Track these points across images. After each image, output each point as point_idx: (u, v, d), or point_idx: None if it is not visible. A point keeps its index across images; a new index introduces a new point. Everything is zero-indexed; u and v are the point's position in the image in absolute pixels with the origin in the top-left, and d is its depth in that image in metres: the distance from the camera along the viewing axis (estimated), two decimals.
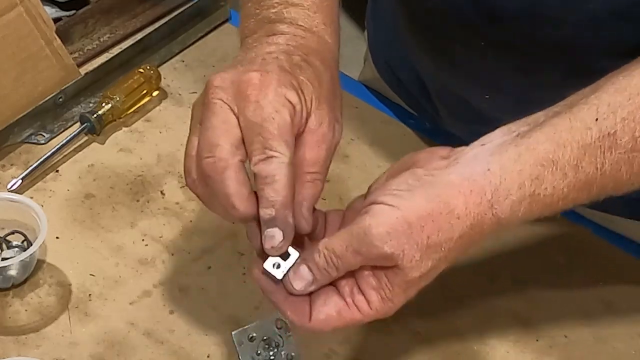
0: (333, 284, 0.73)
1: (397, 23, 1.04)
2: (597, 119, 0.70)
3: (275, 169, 0.70)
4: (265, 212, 0.71)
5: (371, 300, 0.71)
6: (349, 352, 0.88)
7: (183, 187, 0.99)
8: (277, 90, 0.71)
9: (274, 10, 0.78)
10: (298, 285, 0.72)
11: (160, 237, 0.95)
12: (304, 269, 0.72)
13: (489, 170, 0.70)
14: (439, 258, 0.70)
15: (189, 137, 0.75)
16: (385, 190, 0.71)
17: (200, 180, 0.73)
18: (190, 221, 0.96)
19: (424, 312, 0.91)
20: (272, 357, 0.83)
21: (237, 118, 0.71)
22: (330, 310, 0.72)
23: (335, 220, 0.77)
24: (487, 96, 0.94)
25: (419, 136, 1.07)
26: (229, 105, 0.72)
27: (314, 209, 0.75)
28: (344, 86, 1.11)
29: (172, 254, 0.94)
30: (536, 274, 0.94)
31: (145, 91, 1.07)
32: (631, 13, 0.79)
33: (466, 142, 1.05)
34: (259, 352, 0.82)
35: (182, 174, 1.00)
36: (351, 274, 0.72)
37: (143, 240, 0.95)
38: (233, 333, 0.82)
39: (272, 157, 0.70)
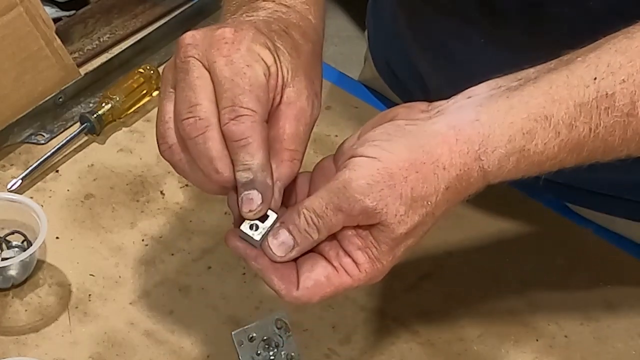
0: (317, 249, 0.69)
1: (397, 23, 1.04)
2: (595, 78, 0.67)
3: (247, 129, 0.66)
4: (242, 176, 0.67)
5: (359, 262, 0.68)
6: (349, 352, 0.88)
7: (183, 187, 0.99)
8: (251, 46, 0.68)
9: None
10: (279, 250, 0.68)
11: (160, 237, 0.95)
12: (283, 232, 0.68)
13: (477, 120, 0.66)
14: (425, 213, 0.66)
15: (160, 103, 0.70)
16: (365, 142, 0.67)
17: (179, 145, 0.69)
18: (190, 221, 0.96)
19: (424, 312, 0.91)
20: (272, 357, 0.83)
21: (210, 74, 0.68)
22: (318, 276, 0.68)
23: (303, 183, 0.73)
24: None
25: None
26: (201, 62, 0.68)
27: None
28: (344, 86, 1.13)
29: (172, 254, 0.94)
30: (537, 274, 0.94)
31: (145, 91, 1.07)
32: (630, 11, 0.78)
33: None
34: (259, 352, 0.82)
35: None
36: (334, 237, 0.68)
37: (143, 240, 0.95)
38: (233, 333, 0.82)
39: (242, 115, 0.66)
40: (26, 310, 0.88)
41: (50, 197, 0.97)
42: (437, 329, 0.90)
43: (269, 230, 0.68)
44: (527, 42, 0.87)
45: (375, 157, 0.66)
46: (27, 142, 1.02)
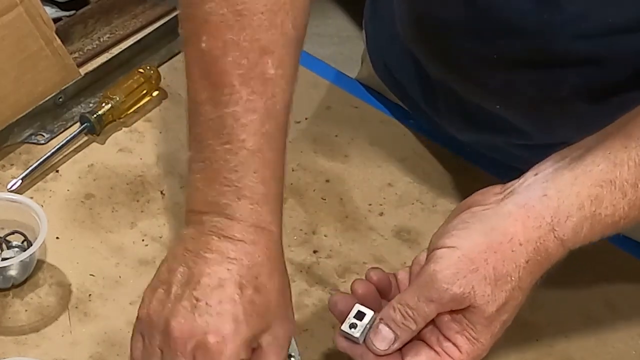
0: (419, 337, 0.74)
1: (396, 27, 1.03)
2: None
3: None
4: None
5: (459, 345, 0.73)
6: None
7: (183, 187, 0.99)
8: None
9: (224, 201, 0.75)
10: (381, 345, 0.74)
11: (160, 237, 0.95)
12: (383, 328, 0.74)
13: (545, 195, 0.71)
14: (511, 288, 0.71)
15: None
16: (444, 234, 0.73)
17: None
18: None
19: None
20: None
21: None
22: None
23: (404, 278, 0.79)
24: (498, 106, 0.95)
25: (418, 136, 1.07)
26: None
27: (381, 271, 0.78)
28: (344, 86, 1.13)
29: None
30: None
31: (145, 91, 1.07)
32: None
33: (468, 146, 1.05)
34: None
35: (182, 174, 1.00)
36: (433, 323, 0.73)
37: (143, 240, 0.95)
38: None
39: None
40: (26, 310, 0.88)
41: (50, 197, 0.97)
42: None
43: (368, 327, 0.75)
44: (541, 58, 0.88)
45: (454, 247, 0.71)
46: (27, 142, 1.02)
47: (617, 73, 0.86)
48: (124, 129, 1.05)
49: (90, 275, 0.91)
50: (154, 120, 1.06)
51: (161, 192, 0.99)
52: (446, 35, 0.93)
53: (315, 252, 0.95)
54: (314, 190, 1.01)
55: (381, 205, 1.00)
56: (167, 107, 1.08)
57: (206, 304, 0.72)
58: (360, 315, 0.75)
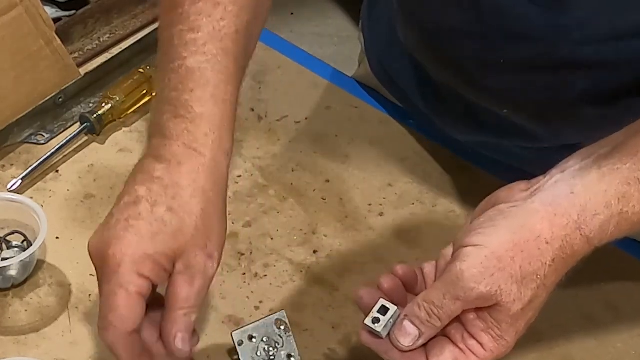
0: (443, 333, 0.74)
1: (395, 32, 1.03)
2: None
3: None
4: None
5: (483, 342, 0.73)
6: (348, 352, 0.88)
7: None
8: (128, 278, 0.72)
9: (163, 121, 0.76)
10: (405, 341, 0.74)
11: None
12: (408, 324, 0.74)
13: (572, 193, 0.71)
14: (537, 286, 0.71)
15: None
16: (470, 231, 0.73)
17: None
18: None
19: None
20: (272, 357, 0.83)
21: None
22: (447, 359, 0.74)
23: (431, 272, 0.79)
24: (505, 110, 0.95)
25: (418, 136, 1.07)
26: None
27: (407, 266, 0.77)
28: (344, 86, 1.13)
29: None
30: None
31: (145, 91, 1.07)
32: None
33: (470, 146, 1.05)
34: (258, 352, 0.82)
35: None
36: (458, 320, 0.73)
37: None
38: (233, 333, 0.82)
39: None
40: (26, 310, 0.88)
41: (50, 197, 0.97)
42: None
43: (391, 322, 0.75)
44: (547, 62, 0.88)
45: (481, 245, 0.71)
46: (27, 142, 1.02)
47: (624, 77, 0.86)
48: (124, 129, 1.05)
49: (90, 275, 0.91)
50: None
51: None
52: (452, 41, 0.93)
53: (315, 252, 0.95)
54: (314, 190, 1.01)
55: (381, 205, 1.00)
56: None
57: (116, 219, 0.73)
58: (384, 310, 0.75)
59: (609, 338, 0.90)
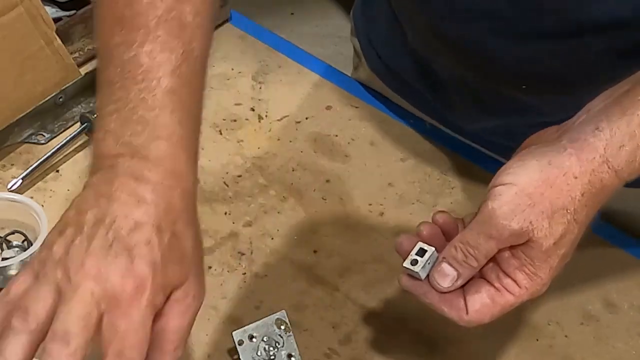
0: (480, 274, 0.76)
1: (395, 28, 1.03)
2: None
3: None
4: None
5: (518, 280, 0.74)
6: (349, 352, 0.88)
7: None
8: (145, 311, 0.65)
9: (140, 141, 0.69)
10: (444, 282, 0.75)
11: None
12: (446, 266, 0.75)
13: (597, 129, 0.73)
14: (567, 221, 0.73)
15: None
16: (502, 172, 0.74)
17: None
18: None
19: (423, 312, 0.91)
20: (272, 357, 0.83)
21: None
22: (483, 298, 0.75)
23: (469, 222, 0.79)
24: (523, 86, 0.96)
25: (418, 136, 1.08)
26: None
27: (447, 214, 0.79)
28: (344, 86, 1.13)
29: None
30: None
31: None
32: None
33: (475, 137, 1.05)
34: (259, 351, 0.83)
35: None
36: (493, 260, 0.75)
37: None
38: (233, 333, 0.83)
39: None
40: None
41: (50, 197, 0.97)
42: (437, 329, 0.90)
43: (429, 264, 0.76)
44: (571, 29, 0.89)
45: (511, 183, 0.73)
46: (28, 142, 1.02)
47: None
48: None
49: None
50: None
51: None
52: (469, 23, 0.93)
53: (315, 252, 0.95)
54: (314, 190, 1.01)
55: (381, 205, 1.00)
56: None
57: (123, 246, 0.65)
58: (421, 252, 0.76)
59: (609, 337, 0.90)
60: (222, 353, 0.86)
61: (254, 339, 0.83)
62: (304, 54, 1.16)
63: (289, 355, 0.83)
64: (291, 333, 0.83)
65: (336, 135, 1.06)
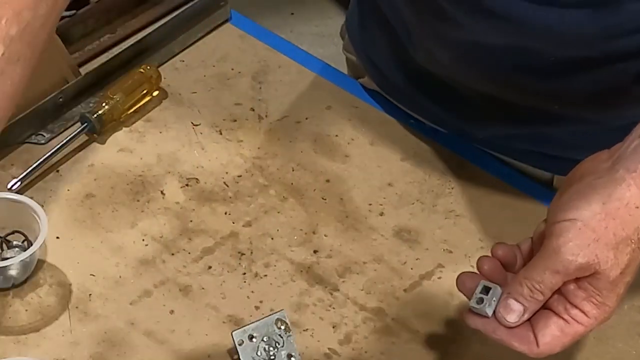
0: (546, 306, 0.77)
1: (399, 43, 1.03)
2: None
3: None
4: None
5: (587, 310, 0.75)
6: (349, 352, 0.88)
7: (183, 187, 0.99)
8: None
9: None
10: (512, 318, 0.76)
11: (160, 237, 0.95)
12: (512, 302, 0.76)
13: None
14: (631, 250, 0.74)
15: None
16: (562, 207, 0.75)
17: None
18: (191, 221, 0.96)
19: (424, 312, 0.91)
20: (272, 357, 0.83)
21: None
22: (553, 331, 0.76)
23: (527, 249, 0.81)
24: (556, 107, 0.97)
25: (418, 136, 1.08)
26: None
27: (505, 246, 0.80)
28: (344, 86, 1.13)
29: (172, 254, 0.94)
30: None
31: (145, 91, 1.07)
32: None
33: (485, 142, 1.05)
34: (259, 352, 0.83)
35: (182, 174, 1.00)
36: (559, 292, 0.76)
37: (143, 240, 0.95)
38: (233, 333, 0.83)
39: None
40: (26, 310, 0.88)
41: (50, 197, 0.97)
42: (437, 329, 0.90)
43: (494, 301, 0.77)
44: None
45: (575, 219, 0.74)
46: (27, 142, 1.02)
47: None
48: (124, 129, 1.05)
49: (91, 275, 0.91)
50: (154, 120, 1.06)
51: (161, 192, 0.99)
52: (495, 56, 0.94)
53: (315, 252, 0.95)
54: (314, 190, 1.01)
55: (381, 205, 1.00)
56: (167, 107, 1.08)
57: None
58: (486, 290, 0.77)
59: (609, 337, 0.90)
60: (222, 353, 0.86)
61: (254, 339, 0.83)
62: (304, 54, 1.16)
63: (289, 355, 0.83)
64: (291, 333, 0.83)
65: (336, 135, 1.06)
